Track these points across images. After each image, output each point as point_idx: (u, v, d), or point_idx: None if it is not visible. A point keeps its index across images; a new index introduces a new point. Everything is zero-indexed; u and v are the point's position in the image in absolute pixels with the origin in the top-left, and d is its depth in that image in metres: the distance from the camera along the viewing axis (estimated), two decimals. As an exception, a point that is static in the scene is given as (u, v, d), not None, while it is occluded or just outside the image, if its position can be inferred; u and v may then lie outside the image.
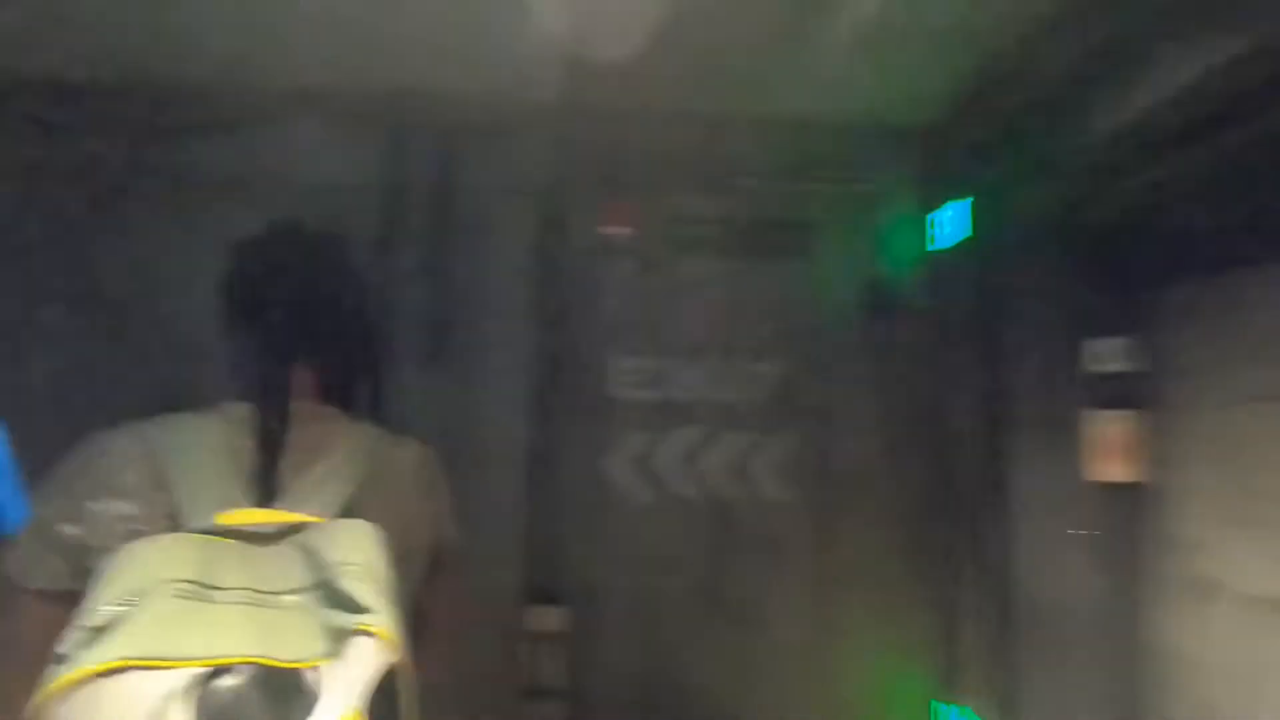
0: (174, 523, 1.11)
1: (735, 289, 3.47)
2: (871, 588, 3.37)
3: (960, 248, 3.43)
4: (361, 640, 0.93)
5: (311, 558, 1.05)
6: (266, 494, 1.16)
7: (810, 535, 3.40)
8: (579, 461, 3.33)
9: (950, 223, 3.44)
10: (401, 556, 1.15)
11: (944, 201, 3.46)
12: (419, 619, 1.23)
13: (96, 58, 2.90)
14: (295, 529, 1.10)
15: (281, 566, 1.03)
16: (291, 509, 1.14)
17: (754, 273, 3.47)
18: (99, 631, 0.90)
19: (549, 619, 3.18)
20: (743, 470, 3.42)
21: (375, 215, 3.25)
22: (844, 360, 3.48)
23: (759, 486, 3.43)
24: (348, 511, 1.18)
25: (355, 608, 0.96)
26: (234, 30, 2.76)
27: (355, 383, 1.40)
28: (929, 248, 3.53)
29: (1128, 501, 2.97)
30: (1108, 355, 3.07)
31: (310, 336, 1.33)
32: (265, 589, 0.99)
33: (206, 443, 1.19)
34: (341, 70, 3.02)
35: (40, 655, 0.92)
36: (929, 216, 3.54)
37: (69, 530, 1.13)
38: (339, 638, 0.94)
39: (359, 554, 1.05)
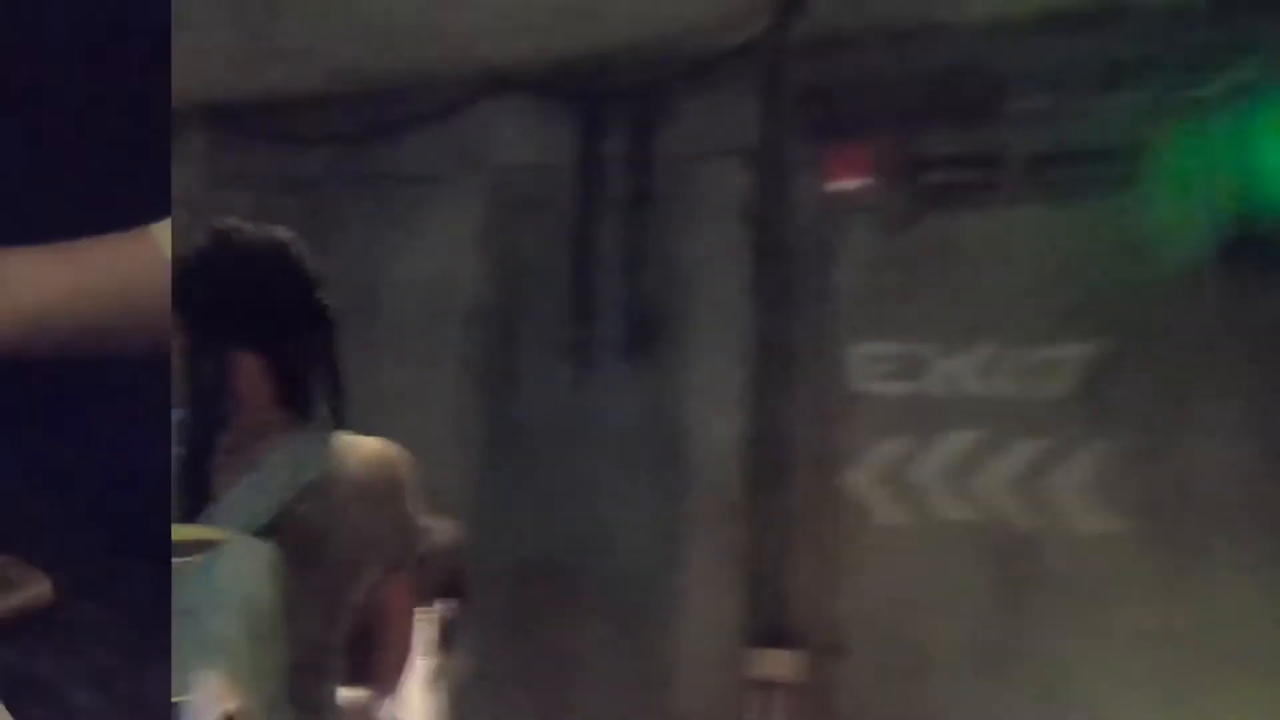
0: None
1: (1018, 246, 2.78)
2: (1261, 662, 2.54)
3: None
4: (204, 683, 1.01)
5: (203, 579, 1.10)
6: (198, 505, 1.19)
7: (1152, 582, 2.67)
8: (813, 472, 2.90)
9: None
10: (348, 564, 1.22)
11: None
12: (370, 620, 1.28)
13: (300, 71, 3.11)
14: (199, 545, 1.13)
15: (179, 583, 1.09)
16: (217, 521, 1.17)
17: (1046, 222, 2.76)
18: None
19: (780, 664, 2.82)
20: (1039, 489, 2.75)
21: (572, 192, 3.12)
22: (1193, 337, 2.66)
23: (1064, 512, 2.74)
24: (282, 522, 1.19)
25: (212, 646, 1.05)
26: (415, 20, 2.80)
27: (308, 384, 1.38)
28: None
29: None
30: None
31: (246, 337, 1.33)
32: None
33: None
34: (529, 41, 2.93)
35: None
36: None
37: None
38: (193, 672, 1.02)
39: (242, 585, 1.10)
